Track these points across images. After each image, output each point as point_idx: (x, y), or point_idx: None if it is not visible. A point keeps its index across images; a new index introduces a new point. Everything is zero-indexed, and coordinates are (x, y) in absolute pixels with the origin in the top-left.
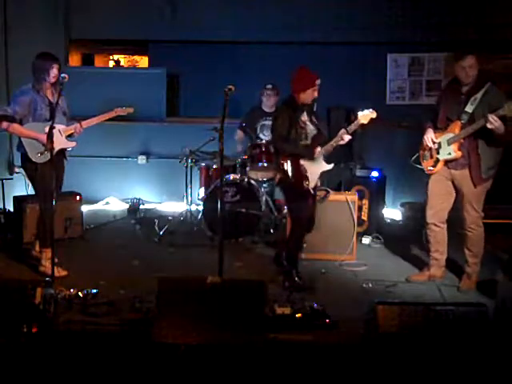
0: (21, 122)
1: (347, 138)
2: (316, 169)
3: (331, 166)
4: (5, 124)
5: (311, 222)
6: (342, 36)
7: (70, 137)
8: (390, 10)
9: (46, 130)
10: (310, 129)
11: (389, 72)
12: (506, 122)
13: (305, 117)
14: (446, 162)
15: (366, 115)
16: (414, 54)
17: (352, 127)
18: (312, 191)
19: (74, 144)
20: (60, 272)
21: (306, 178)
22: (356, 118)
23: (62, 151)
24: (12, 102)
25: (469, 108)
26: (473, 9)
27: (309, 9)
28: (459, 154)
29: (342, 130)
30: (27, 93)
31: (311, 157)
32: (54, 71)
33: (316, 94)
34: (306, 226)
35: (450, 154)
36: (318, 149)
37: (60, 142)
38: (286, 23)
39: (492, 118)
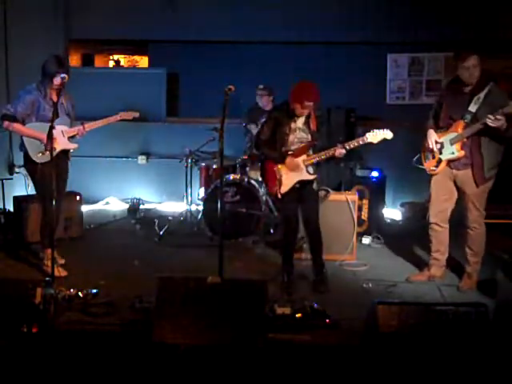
0: (23, 122)
1: (341, 153)
2: (293, 176)
3: (313, 176)
4: (6, 123)
5: (296, 223)
6: (342, 36)
7: (72, 138)
8: (390, 10)
9: None
10: (299, 136)
11: (389, 72)
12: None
13: (296, 124)
14: (449, 162)
15: (376, 135)
16: (414, 54)
17: (352, 144)
18: (280, 195)
19: (75, 146)
20: (60, 272)
21: (276, 182)
22: (363, 134)
23: (65, 152)
24: (15, 101)
25: (472, 107)
26: (473, 9)
27: (309, 9)
28: (462, 153)
29: (339, 146)
30: (31, 92)
31: (282, 162)
32: (57, 80)
33: (305, 112)
34: (290, 226)
35: (453, 153)
36: (303, 157)
37: (62, 143)
38: (286, 23)
39: (496, 116)
